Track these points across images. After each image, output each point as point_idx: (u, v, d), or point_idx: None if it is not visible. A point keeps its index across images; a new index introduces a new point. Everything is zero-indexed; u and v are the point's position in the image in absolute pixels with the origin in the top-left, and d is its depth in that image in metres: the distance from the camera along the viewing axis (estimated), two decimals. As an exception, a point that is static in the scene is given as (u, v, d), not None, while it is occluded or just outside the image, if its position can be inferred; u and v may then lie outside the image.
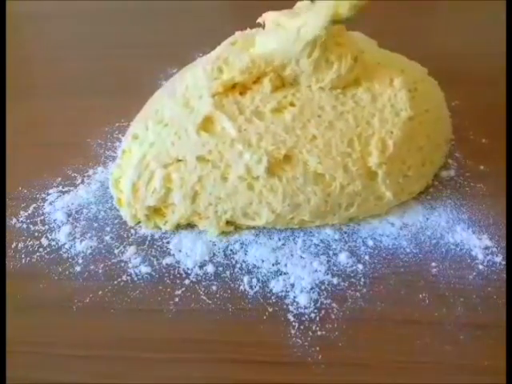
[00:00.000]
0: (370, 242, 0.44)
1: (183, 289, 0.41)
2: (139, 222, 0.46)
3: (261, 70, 0.44)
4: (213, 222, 0.44)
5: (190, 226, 0.45)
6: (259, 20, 0.47)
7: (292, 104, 0.44)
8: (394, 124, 0.44)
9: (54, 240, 0.45)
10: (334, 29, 0.43)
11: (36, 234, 0.46)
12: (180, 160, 0.43)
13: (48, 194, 0.50)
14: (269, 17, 0.46)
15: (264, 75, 0.45)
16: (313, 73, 0.44)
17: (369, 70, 0.46)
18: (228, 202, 0.43)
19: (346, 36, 0.46)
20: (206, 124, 0.44)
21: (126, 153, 0.46)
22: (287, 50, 0.43)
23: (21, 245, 0.45)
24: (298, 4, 0.46)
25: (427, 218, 0.45)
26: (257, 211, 0.43)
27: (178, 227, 0.45)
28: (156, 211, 0.45)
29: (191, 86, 0.46)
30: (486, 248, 0.43)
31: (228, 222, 0.45)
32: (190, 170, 0.43)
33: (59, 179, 0.51)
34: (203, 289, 0.41)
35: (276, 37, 0.44)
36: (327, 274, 0.41)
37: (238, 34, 0.49)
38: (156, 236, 0.45)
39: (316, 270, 0.42)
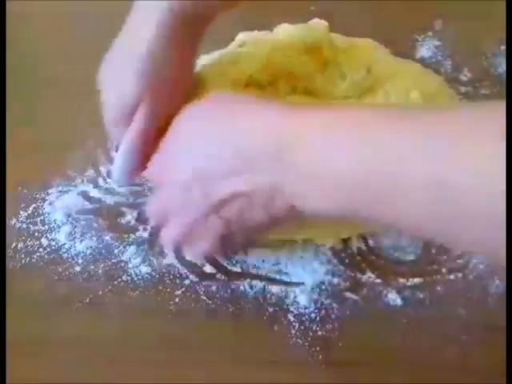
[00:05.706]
0: (371, 242, 0.44)
1: (183, 289, 0.41)
2: None
3: (275, 71, 0.43)
4: None
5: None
6: (274, 31, 0.47)
7: None
8: None
9: (53, 240, 0.45)
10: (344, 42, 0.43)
11: (36, 234, 0.46)
12: None
13: (48, 194, 0.50)
14: (282, 27, 0.46)
15: (279, 77, 0.44)
16: (326, 86, 0.44)
17: (384, 81, 0.45)
18: None
19: (358, 48, 0.45)
20: None
21: None
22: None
23: (21, 245, 0.45)
24: (314, 21, 0.46)
25: (427, 218, 0.45)
26: None
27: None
28: None
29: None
30: (487, 248, 0.42)
31: None
32: None
33: (59, 179, 0.51)
34: (203, 289, 0.41)
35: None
36: (327, 274, 0.41)
37: (241, 35, 0.48)
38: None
39: (316, 270, 0.42)
